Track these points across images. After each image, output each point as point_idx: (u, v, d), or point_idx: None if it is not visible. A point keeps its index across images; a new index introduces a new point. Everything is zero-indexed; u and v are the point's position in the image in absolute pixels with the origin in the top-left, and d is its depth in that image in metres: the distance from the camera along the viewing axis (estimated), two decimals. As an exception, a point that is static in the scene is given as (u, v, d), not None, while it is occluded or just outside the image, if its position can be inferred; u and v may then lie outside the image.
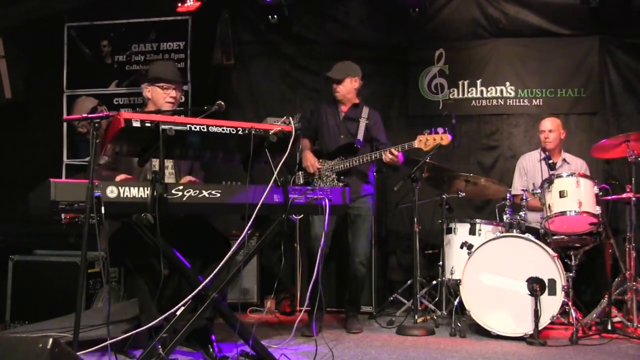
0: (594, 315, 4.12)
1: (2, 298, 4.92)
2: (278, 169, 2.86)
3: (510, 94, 5.82)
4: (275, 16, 5.90)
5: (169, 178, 3.53)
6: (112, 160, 3.38)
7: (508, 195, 4.47)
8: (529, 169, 5.01)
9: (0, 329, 4.79)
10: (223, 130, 2.78)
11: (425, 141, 4.09)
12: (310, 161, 4.36)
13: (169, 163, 3.56)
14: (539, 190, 4.31)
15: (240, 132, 2.81)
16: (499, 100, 5.84)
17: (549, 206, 4.17)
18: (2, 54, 5.98)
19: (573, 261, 4.22)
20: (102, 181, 2.58)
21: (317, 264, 3.12)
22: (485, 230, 4.60)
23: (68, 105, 6.29)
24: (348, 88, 4.38)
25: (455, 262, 4.56)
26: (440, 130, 4.09)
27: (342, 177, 4.28)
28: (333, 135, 4.41)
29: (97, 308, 4.88)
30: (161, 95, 3.55)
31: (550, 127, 4.88)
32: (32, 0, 5.89)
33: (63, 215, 5.28)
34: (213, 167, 4.20)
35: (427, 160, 4.32)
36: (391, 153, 4.11)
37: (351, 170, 4.29)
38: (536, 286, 3.81)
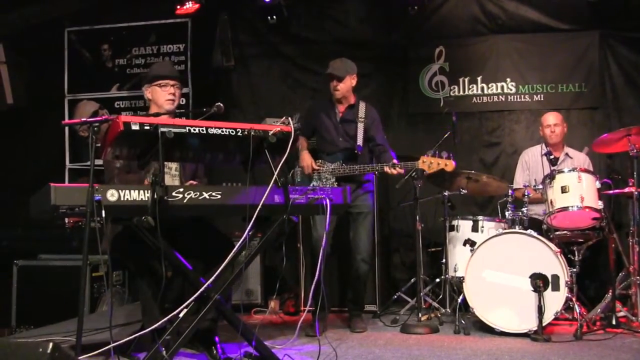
0: (598, 310, 4.11)
1: (7, 303, 4.94)
2: (278, 169, 2.86)
3: (511, 90, 5.80)
4: (275, 17, 5.91)
5: (174, 180, 3.53)
6: (127, 163, 3.31)
7: (510, 191, 4.46)
8: (531, 163, 5.00)
9: (5, 333, 4.81)
10: (222, 131, 2.77)
11: (429, 163, 4.03)
12: (307, 162, 4.34)
13: (173, 165, 3.56)
14: (540, 186, 4.31)
15: (239, 134, 2.80)
16: (500, 96, 5.83)
17: (551, 202, 4.16)
18: (3, 60, 6.01)
19: (576, 256, 4.20)
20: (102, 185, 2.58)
21: (318, 264, 3.12)
22: (488, 227, 4.58)
23: (69, 109, 6.31)
24: (347, 86, 4.36)
25: (458, 259, 4.55)
26: (444, 154, 4.03)
27: (341, 183, 4.26)
28: (331, 137, 4.39)
29: (102, 311, 4.89)
30: (160, 94, 3.51)
31: (555, 121, 4.88)
32: (32, 6, 5.92)
33: (67, 220, 5.31)
34: (215, 168, 4.20)
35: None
36: (394, 168, 4.06)
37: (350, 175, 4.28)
38: (539, 282, 3.80)
